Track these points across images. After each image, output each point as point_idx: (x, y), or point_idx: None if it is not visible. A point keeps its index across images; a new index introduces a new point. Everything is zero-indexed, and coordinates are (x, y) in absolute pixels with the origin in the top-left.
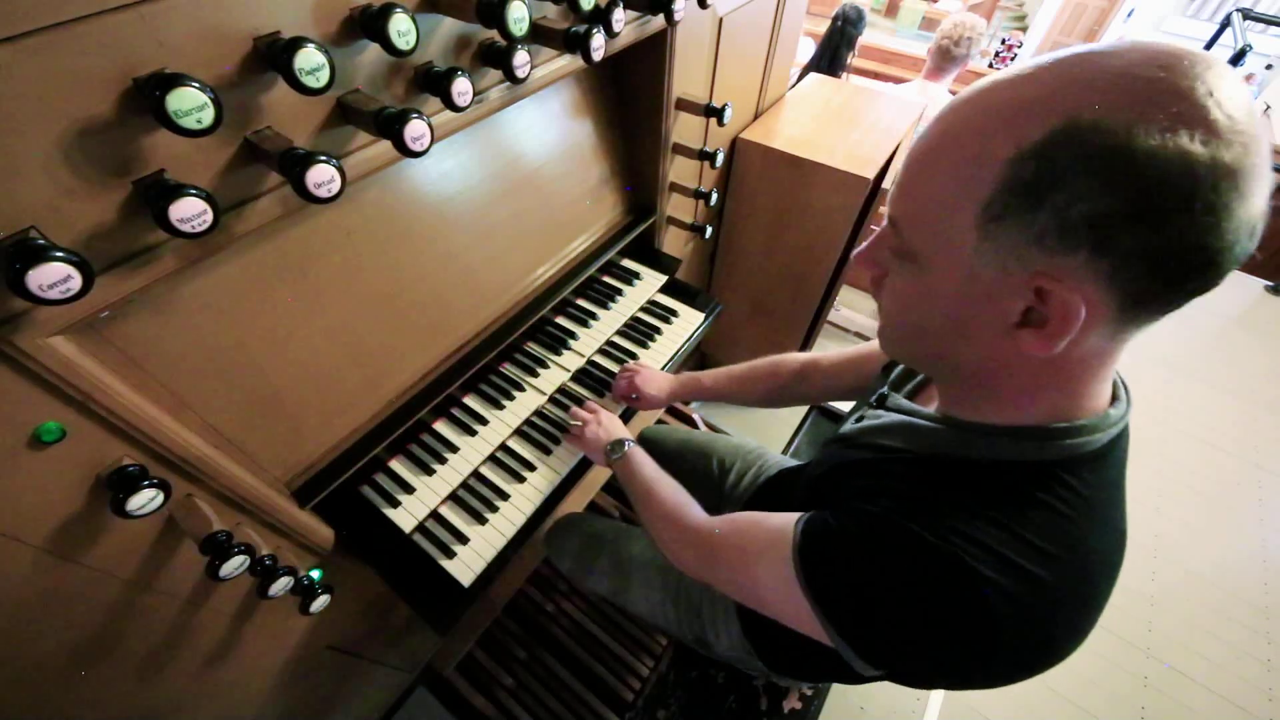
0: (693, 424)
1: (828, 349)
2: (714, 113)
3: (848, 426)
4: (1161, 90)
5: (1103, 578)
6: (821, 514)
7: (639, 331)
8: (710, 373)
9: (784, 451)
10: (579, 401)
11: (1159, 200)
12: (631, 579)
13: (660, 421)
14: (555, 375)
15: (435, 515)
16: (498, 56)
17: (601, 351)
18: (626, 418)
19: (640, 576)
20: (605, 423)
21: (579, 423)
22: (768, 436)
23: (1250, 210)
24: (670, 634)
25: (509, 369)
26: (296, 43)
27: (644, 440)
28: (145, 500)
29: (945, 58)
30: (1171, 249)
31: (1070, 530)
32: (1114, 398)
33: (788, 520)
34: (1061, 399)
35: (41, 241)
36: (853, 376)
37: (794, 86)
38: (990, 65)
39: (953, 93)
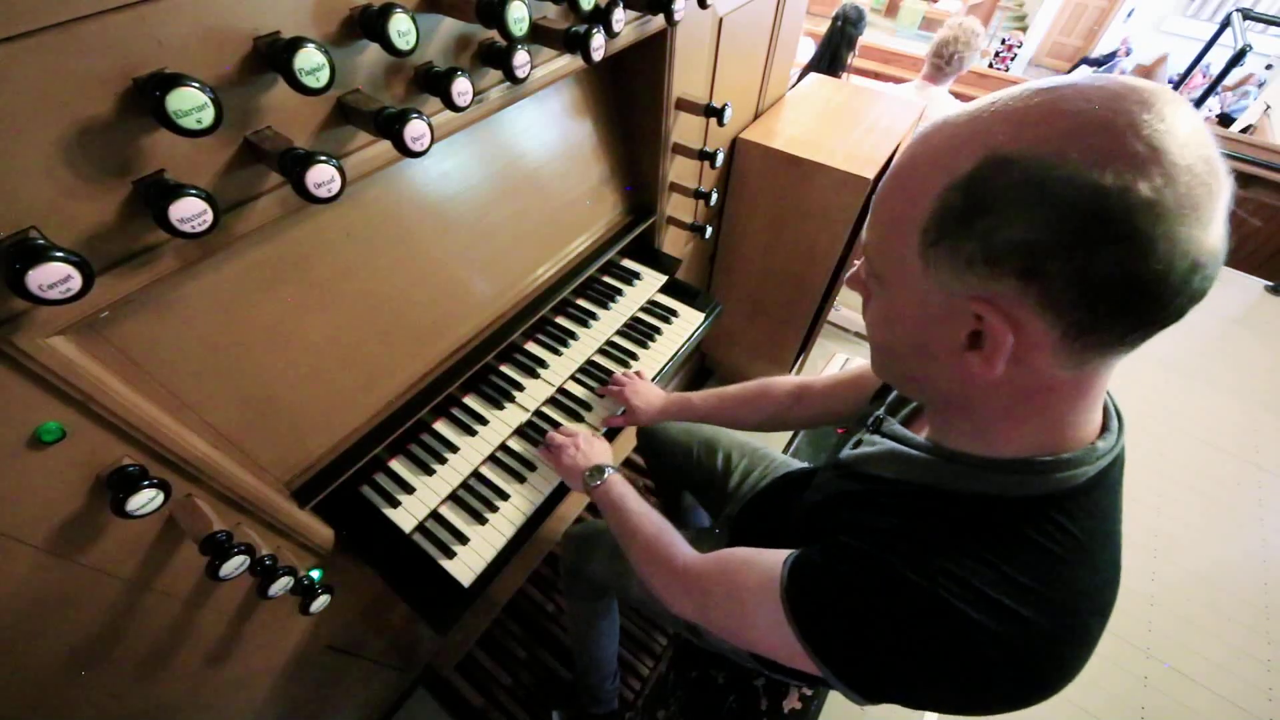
0: None
1: (828, 349)
2: (714, 113)
3: (845, 452)
4: (1082, 123)
5: (1094, 616)
6: (809, 551)
7: (639, 331)
8: (701, 394)
9: (785, 450)
10: (579, 402)
11: (1072, 230)
12: (629, 565)
13: None
14: (555, 375)
15: (435, 515)
16: (498, 56)
17: (601, 351)
18: (611, 436)
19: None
20: (584, 446)
21: (553, 446)
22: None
23: (1183, 242)
24: (666, 623)
25: (509, 369)
26: (296, 43)
27: (645, 430)
28: (145, 500)
29: (941, 63)
30: (1094, 278)
31: (1060, 570)
32: (1105, 428)
33: (777, 560)
34: (1043, 430)
35: (41, 241)
36: (852, 398)
37: (794, 86)
38: (990, 65)
39: (952, 93)
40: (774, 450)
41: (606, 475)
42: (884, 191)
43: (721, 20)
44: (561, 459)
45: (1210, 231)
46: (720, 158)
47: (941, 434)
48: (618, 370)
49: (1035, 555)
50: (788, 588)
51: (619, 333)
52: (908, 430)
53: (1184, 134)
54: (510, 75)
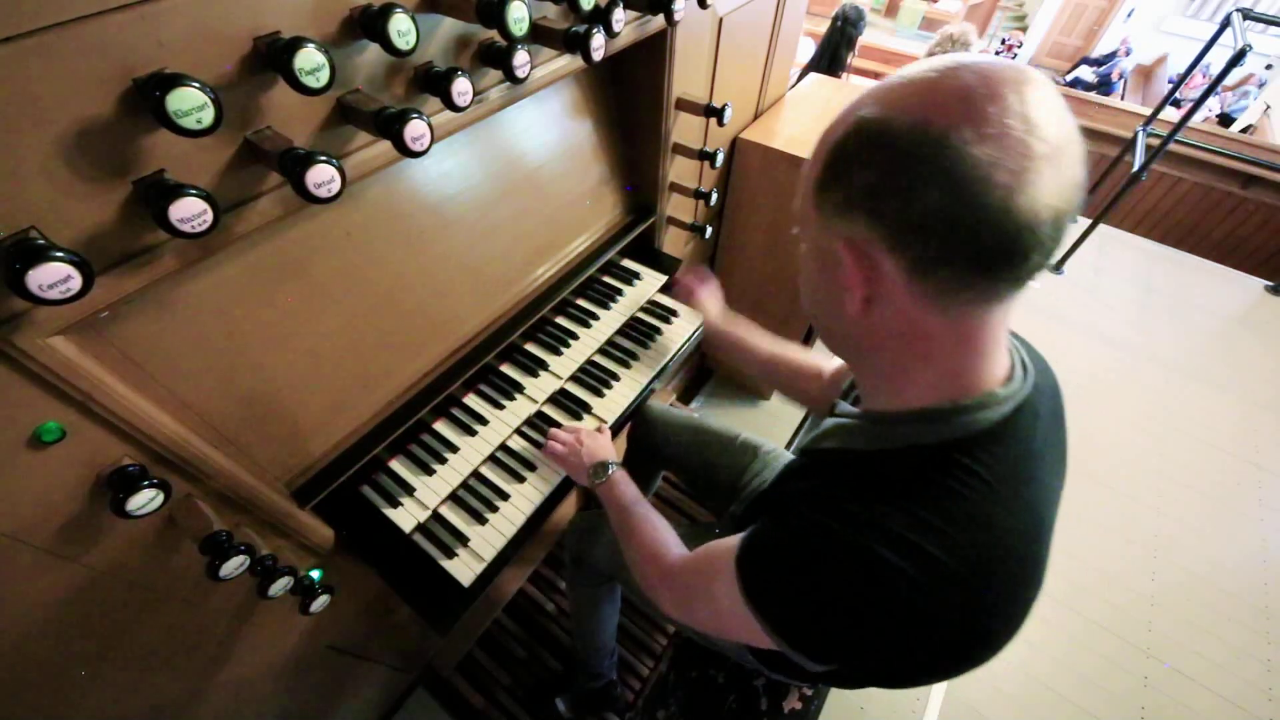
0: None
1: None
2: (714, 113)
3: (807, 436)
4: (922, 87)
5: (1015, 558)
6: (757, 524)
7: (639, 332)
8: (760, 335)
9: (786, 447)
10: (579, 402)
11: (901, 170)
12: None
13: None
14: (555, 375)
15: (435, 515)
16: (498, 56)
17: (602, 351)
18: (616, 430)
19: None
20: (588, 442)
21: (557, 444)
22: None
23: (1018, 194)
24: (667, 618)
25: (509, 369)
26: (296, 43)
27: (652, 421)
28: (145, 500)
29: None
30: (922, 214)
31: (968, 510)
32: (1009, 378)
33: (736, 540)
34: (940, 380)
35: (41, 241)
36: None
37: (794, 87)
38: None
39: None
40: (782, 450)
41: (610, 472)
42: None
43: (721, 20)
44: (567, 455)
45: (1045, 188)
46: (720, 158)
47: (867, 398)
48: (619, 370)
49: (943, 496)
50: (739, 559)
51: (619, 333)
52: (850, 406)
53: (1036, 105)
54: (510, 75)
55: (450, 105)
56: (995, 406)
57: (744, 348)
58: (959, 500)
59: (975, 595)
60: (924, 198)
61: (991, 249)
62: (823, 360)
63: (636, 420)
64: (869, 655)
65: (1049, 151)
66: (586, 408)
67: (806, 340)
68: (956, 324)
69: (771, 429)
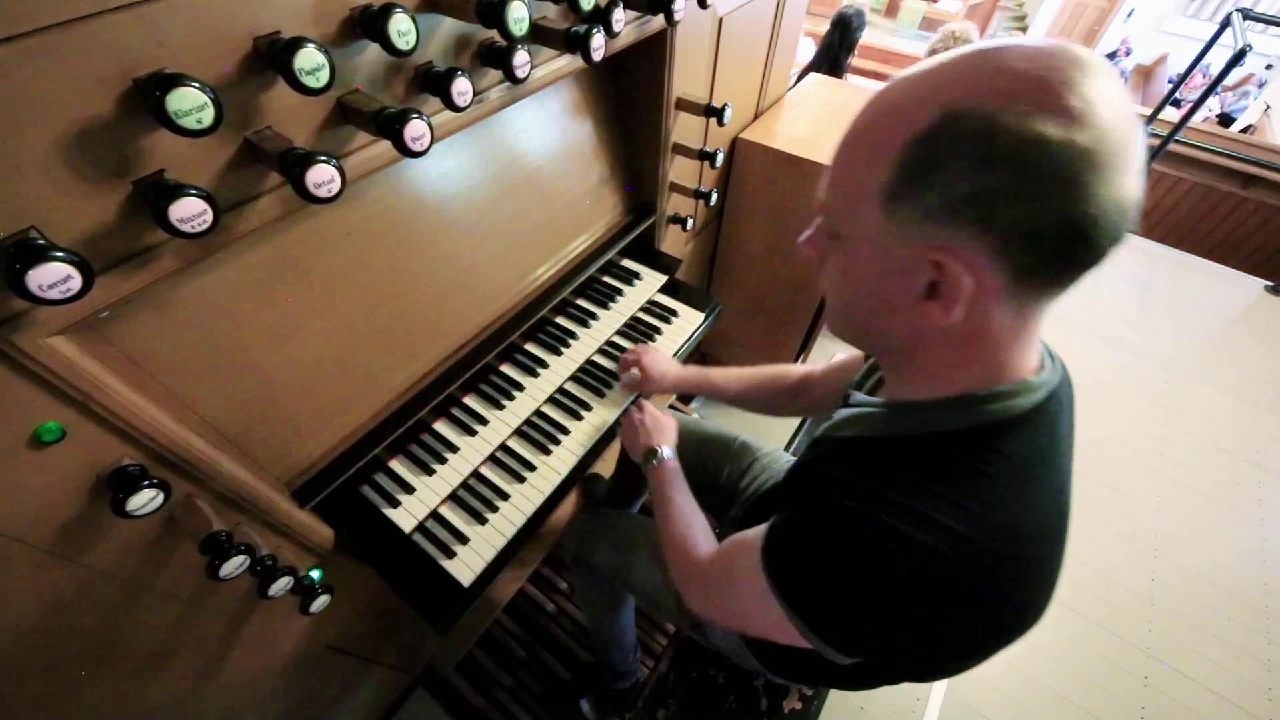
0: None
1: (828, 349)
2: (714, 113)
3: (819, 429)
4: (1025, 80)
5: (1043, 538)
6: (780, 514)
7: (639, 332)
8: (720, 371)
9: (785, 448)
10: (580, 402)
11: (1022, 178)
12: (633, 556)
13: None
14: (555, 375)
15: (435, 515)
16: (498, 56)
17: (601, 351)
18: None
19: (644, 555)
20: (651, 424)
21: (633, 414)
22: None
23: (1114, 191)
24: (669, 618)
25: (509, 369)
26: (296, 43)
27: None
28: (145, 500)
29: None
30: (1043, 223)
31: (994, 489)
32: (1041, 367)
33: (760, 529)
34: (981, 369)
35: (41, 241)
36: (847, 381)
37: (793, 87)
38: None
39: None
40: (781, 452)
41: (664, 458)
42: (843, 152)
43: (721, 20)
44: (631, 429)
45: (1132, 179)
46: (720, 158)
47: (895, 389)
48: (618, 370)
49: (972, 479)
50: (764, 549)
51: (619, 333)
52: (870, 396)
53: (1111, 95)
54: (510, 75)
55: (450, 105)
56: (1029, 394)
57: (713, 389)
58: (989, 482)
59: (1006, 573)
60: (1048, 207)
61: (1094, 250)
62: (798, 366)
63: None
64: (901, 640)
65: (1134, 140)
66: (587, 407)
67: (805, 343)
68: (1020, 319)
69: (771, 431)
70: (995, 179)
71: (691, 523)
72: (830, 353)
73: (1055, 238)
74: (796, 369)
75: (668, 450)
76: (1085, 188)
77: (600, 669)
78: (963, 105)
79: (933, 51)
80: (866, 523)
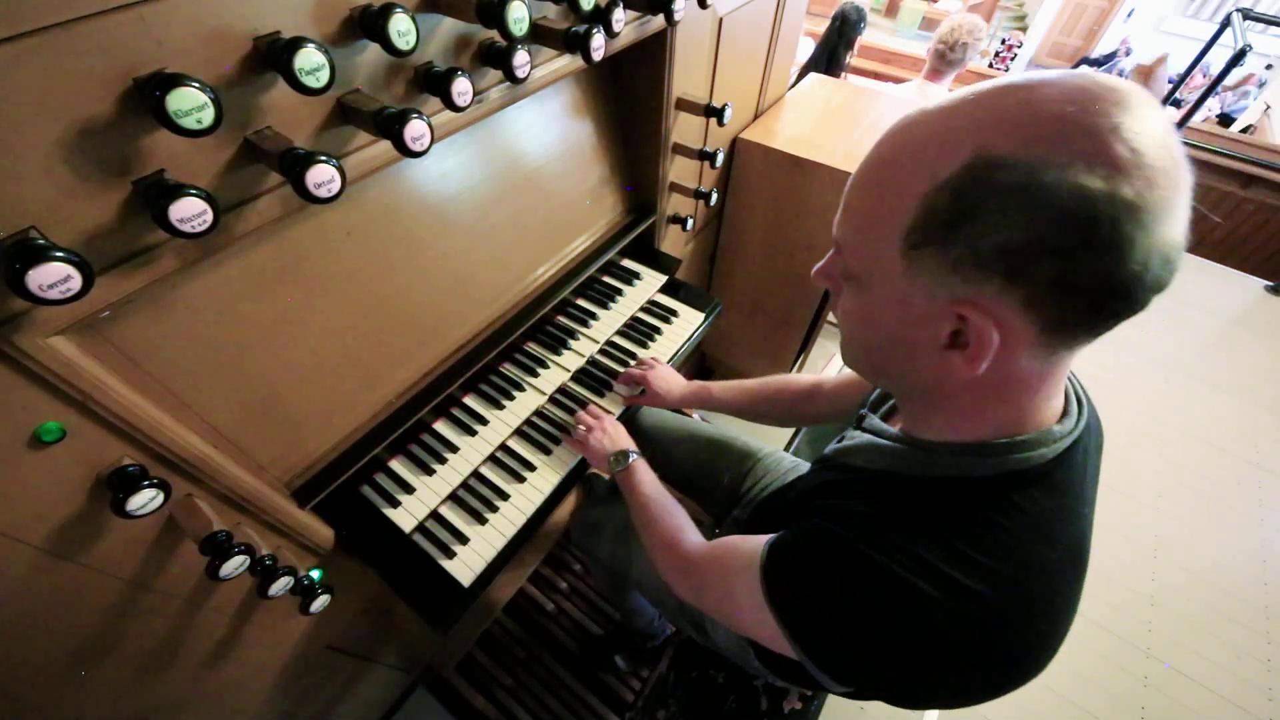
0: None
1: (828, 349)
2: (714, 113)
3: (830, 447)
4: (1067, 126)
5: (1057, 595)
6: (787, 532)
7: (639, 331)
8: (721, 385)
9: (785, 449)
10: (580, 402)
11: (1061, 234)
12: (634, 549)
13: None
14: (555, 375)
15: (435, 515)
16: (498, 56)
17: (602, 351)
18: (626, 420)
19: (643, 548)
20: (610, 430)
21: (583, 426)
22: (769, 436)
23: (1158, 240)
24: (669, 615)
25: (509, 369)
26: (296, 43)
27: (647, 430)
28: (145, 500)
29: (942, 61)
30: (1079, 279)
31: (1013, 546)
32: (1065, 413)
33: (760, 542)
34: (1004, 416)
35: (41, 241)
36: (858, 396)
37: (793, 86)
38: (990, 65)
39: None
40: (783, 453)
41: (631, 460)
42: (860, 189)
43: (721, 20)
44: (589, 441)
45: (1179, 226)
46: (720, 158)
47: (911, 424)
48: (619, 370)
49: (989, 532)
50: (765, 565)
51: (619, 333)
52: (884, 424)
53: (1158, 134)
54: (510, 75)
55: (450, 105)
56: (1051, 444)
57: (716, 403)
58: (1004, 536)
59: (1013, 632)
60: (1087, 264)
61: (1135, 302)
62: (805, 376)
63: (634, 423)
64: (893, 681)
65: (1181, 181)
66: (586, 407)
67: (805, 343)
68: (1049, 366)
69: (770, 432)
70: (1030, 234)
71: (675, 515)
72: (830, 353)
73: (1093, 293)
74: (803, 378)
75: (634, 450)
76: (1128, 242)
77: (628, 634)
78: (997, 151)
79: (940, 45)
80: (874, 568)
